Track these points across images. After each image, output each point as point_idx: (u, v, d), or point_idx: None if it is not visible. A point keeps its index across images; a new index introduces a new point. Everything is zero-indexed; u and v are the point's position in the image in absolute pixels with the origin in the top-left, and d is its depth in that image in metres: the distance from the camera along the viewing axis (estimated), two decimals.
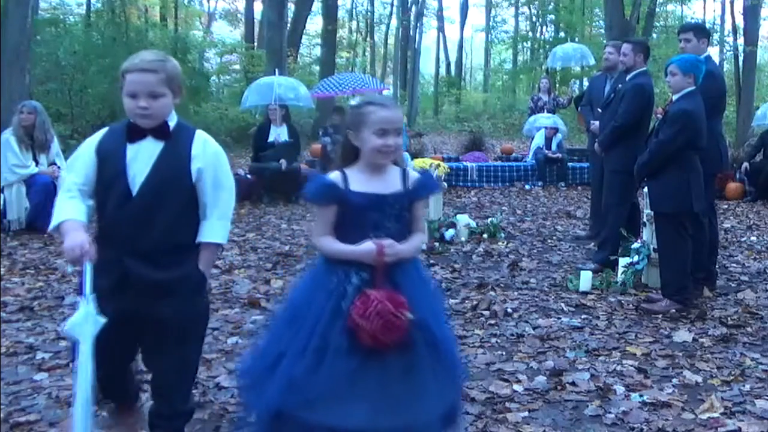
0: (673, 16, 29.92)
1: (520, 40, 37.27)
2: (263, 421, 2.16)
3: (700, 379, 3.47)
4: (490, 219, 7.53)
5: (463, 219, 7.26)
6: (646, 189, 4.87)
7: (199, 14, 31.90)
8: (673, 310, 4.54)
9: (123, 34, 18.45)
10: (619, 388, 3.33)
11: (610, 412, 3.07)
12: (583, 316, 4.52)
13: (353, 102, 2.45)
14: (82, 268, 2.17)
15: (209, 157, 2.36)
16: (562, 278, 5.48)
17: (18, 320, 4.26)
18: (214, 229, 2.38)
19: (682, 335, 4.12)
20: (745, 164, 10.54)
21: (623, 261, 5.24)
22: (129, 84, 2.28)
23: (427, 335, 2.19)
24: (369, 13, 38.53)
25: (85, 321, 2.12)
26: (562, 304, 4.77)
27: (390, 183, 2.28)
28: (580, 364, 3.65)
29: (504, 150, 14.28)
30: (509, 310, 4.60)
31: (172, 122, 2.36)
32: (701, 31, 5.37)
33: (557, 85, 22.08)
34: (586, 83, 19.78)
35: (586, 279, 5.14)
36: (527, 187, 11.47)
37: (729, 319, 4.45)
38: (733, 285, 5.40)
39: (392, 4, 36.59)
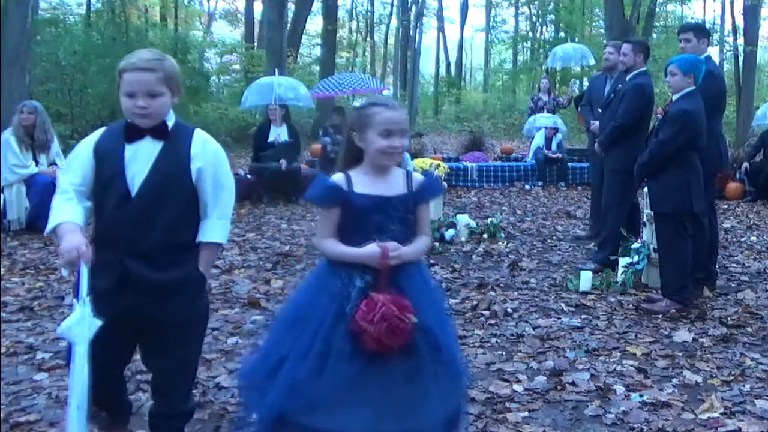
0: (673, 16, 29.93)
1: (520, 40, 37.27)
2: (265, 425, 2.15)
3: (700, 379, 3.47)
4: (490, 219, 7.53)
5: (463, 219, 7.26)
6: (646, 189, 4.88)
7: (199, 14, 31.90)
8: (673, 310, 4.54)
9: (123, 34, 18.45)
10: (619, 388, 3.33)
11: (610, 412, 3.07)
12: (583, 316, 4.52)
13: (357, 103, 2.42)
14: (78, 271, 2.14)
15: (209, 157, 2.34)
16: (562, 278, 5.48)
17: (18, 320, 4.26)
18: (215, 228, 2.37)
19: (682, 335, 4.12)
20: (745, 164, 10.54)
21: (623, 261, 5.24)
22: (126, 83, 2.25)
23: (431, 339, 2.17)
24: (369, 13, 38.54)
25: (80, 323, 2.10)
26: (562, 304, 4.77)
27: (394, 185, 2.26)
28: (580, 364, 3.65)
29: (504, 150, 14.28)
30: (509, 310, 4.60)
31: (171, 122, 2.34)
32: (701, 31, 5.37)
33: (557, 85, 22.09)
34: (586, 83, 19.79)
35: (586, 279, 5.14)
36: (527, 187, 11.47)
37: (729, 319, 4.46)
38: (733, 285, 5.40)
39: (392, 4, 36.63)
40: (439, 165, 8.48)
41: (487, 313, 4.53)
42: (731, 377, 3.50)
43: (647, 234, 5.20)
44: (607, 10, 16.27)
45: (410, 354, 2.13)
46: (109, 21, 19.83)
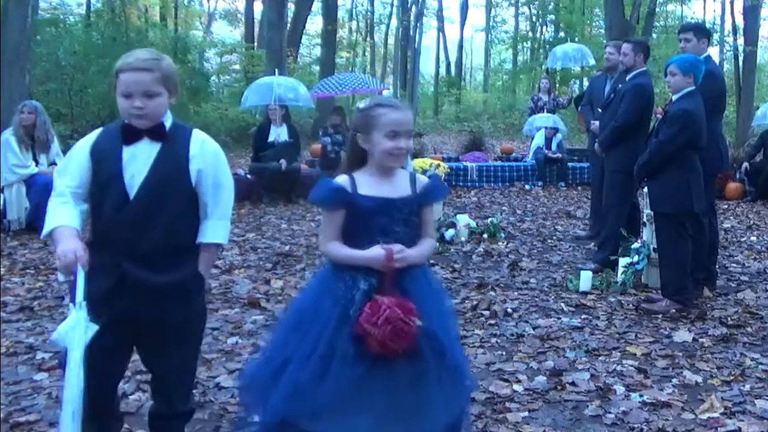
0: (673, 16, 29.93)
1: (520, 40, 37.25)
2: (268, 428, 2.13)
3: (700, 379, 3.47)
4: (490, 219, 7.53)
5: (463, 219, 7.26)
6: (646, 189, 4.87)
7: (199, 14, 31.90)
8: (673, 310, 4.54)
9: (123, 34, 18.45)
10: (619, 388, 3.33)
11: (610, 412, 3.07)
12: (583, 316, 4.52)
13: (361, 104, 2.42)
14: (74, 276, 2.11)
15: (208, 157, 2.32)
16: (562, 278, 5.48)
17: (18, 320, 4.26)
18: (215, 229, 2.35)
19: (682, 335, 4.12)
20: (745, 164, 10.54)
21: (623, 261, 5.24)
22: (123, 84, 2.22)
23: (435, 343, 2.15)
24: (369, 13, 38.53)
25: (75, 328, 2.06)
26: (562, 304, 4.77)
27: (399, 187, 2.24)
28: (580, 364, 3.65)
29: (504, 150, 14.28)
30: (509, 310, 4.60)
31: (168, 122, 2.31)
32: (701, 31, 5.37)
33: (557, 85, 22.06)
34: (586, 83, 19.80)
35: (586, 279, 5.15)
36: (527, 187, 11.47)
37: (729, 319, 4.46)
38: (733, 285, 5.40)
39: (392, 4, 36.63)
40: (439, 165, 8.49)
41: (487, 313, 4.53)
42: (731, 377, 3.50)
43: (647, 234, 5.20)
44: (607, 10, 16.28)
45: (414, 358, 2.11)
46: (109, 21, 19.82)
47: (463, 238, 6.93)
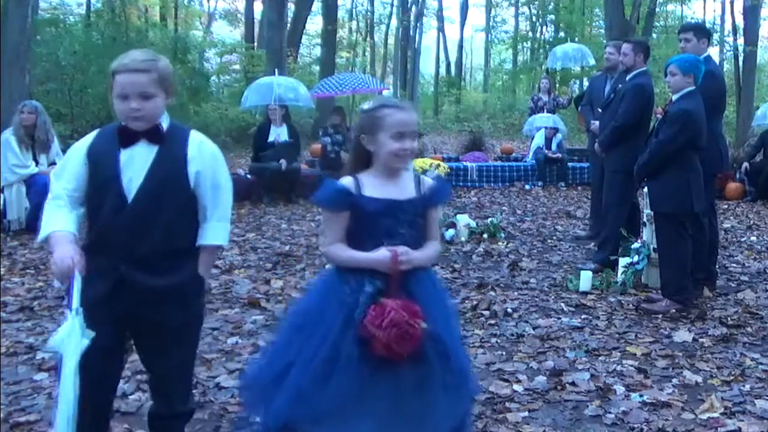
0: (673, 16, 29.93)
1: (520, 40, 37.25)
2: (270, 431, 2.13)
3: (700, 379, 3.47)
4: (490, 219, 7.53)
5: (463, 219, 7.26)
6: (646, 189, 4.87)
7: (199, 14, 31.89)
8: (673, 310, 4.54)
9: (123, 34, 18.45)
10: (619, 388, 3.33)
11: (610, 412, 3.07)
12: (583, 316, 4.52)
13: (365, 105, 2.40)
14: (70, 282, 2.08)
15: (207, 159, 2.30)
16: (562, 278, 5.48)
17: (18, 320, 4.26)
18: (215, 231, 2.33)
19: (682, 335, 4.12)
20: (745, 164, 10.54)
21: (623, 261, 5.24)
22: (119, 85, 2.19)
23: (440, 346, 2.13)
24: (369, 13, 38.52)
25: (71, 335, 2.03)
26: (562, 304, 4.77)
27: (404, 188, 2.22)
28: (580, 364, 3.65)
29: (504, 150, 14.28)
30: (509, 310, 4.60)
31: (165, 123, 2.29)
32: (701, 31, 5.37)
33: (557, 85, 22.06)
34: (586, 83, 19.80)
35: (586, 279, 5.14)
36: (527, 187, 11.47)
37: (729, 319, 4.45)
38: (733, 285, 5.40)
39: (392, 4, 36.63)
40: (439, 165, 8.50)
41: (487, 313, 4.53)
42: (731, 377, 3.50)
43: (647, 234, 5.20)
44: (607, 10, 16.28)
45: (419, 362, 2.09)
46: (109, 21, 19.82)
47: (463, 238, 6.93)
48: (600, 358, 3.76)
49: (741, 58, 19.87)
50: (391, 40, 38.45)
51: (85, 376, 2.06)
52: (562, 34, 30.92)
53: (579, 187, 11.38)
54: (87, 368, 2.06)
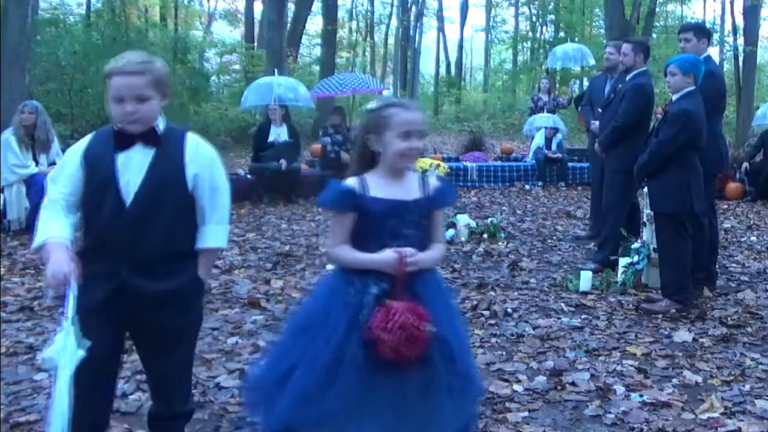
0: (673, 16, 29.92)
1: (520, 40, 37.24)
2: None
3: (700, 379, 3.47)
4: (490, 219, 7.53)
5: (463, 219, 7.26)
6: (646, 189, 4.87)
7: (199, 14, 31.89)
8: (673, 310, 4.54)
9: (123, 34, 18.44)
10: (619, 388, 3.33)
11: (610, 412, 3.07)
12: (583, 316, 4.52)
13: (371, 105, 2.40)
14: (65, 293, 2.06)
15: (204, 161, 2.29)
16: (562, 278, 5.48)
17: (18, 320, 4.26)
18: (214, 233, 2.32)
19: (682, 335, 4.12)
20: (745, 164, 10.54)
21: (623, 261, 5.24)
22: (114, 88, 2.17)
23: (445, 349, 2.11)
24: (369, 13, 38.53)
25: (66, 345, 2.00)
26: (562, 304, 4.77)
27: (410, 189, 2.20)
28: (580, 364, 3.65)
29: (504, 150, 14.28)
30: (509, 310, 4.60)
31: (161, 125, 2.27)
32: (701, 31, 5.37)
33: (557, 85, 22.06)
34: (586, 83, 19.80)
35: (586, 279, 5.14)
36: (527, 187, 11.47)
37: (729, 319, 4.45)
38: (733, 285, 5.40)
39: (392, 4, 36.64)
40: (439, 165, 8.49)
41: (487, 313, 4.53)
42: (731, 377, 3.50)
43: (647, 234, 5.20)
44: (607, 10, 16.27)
45: (425, 365, 2.07)
46: (109, 21, 19.80)
47: (463, 238, 6.93)
48: (600, 358, 3.76)
49: (741, 58, 19.87)
50: (391, 40, 38.46)
51: (81, 386, 2.03)
52: (562, 34, 30.91)
53: (579, 187, 11.38)
54: (83, 378, 2.03)
